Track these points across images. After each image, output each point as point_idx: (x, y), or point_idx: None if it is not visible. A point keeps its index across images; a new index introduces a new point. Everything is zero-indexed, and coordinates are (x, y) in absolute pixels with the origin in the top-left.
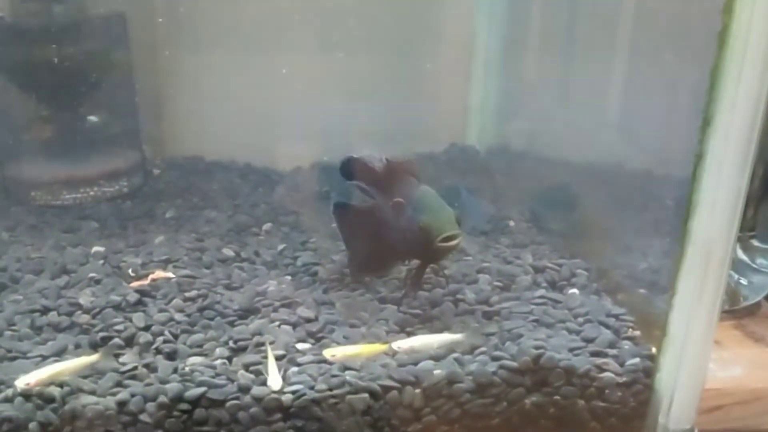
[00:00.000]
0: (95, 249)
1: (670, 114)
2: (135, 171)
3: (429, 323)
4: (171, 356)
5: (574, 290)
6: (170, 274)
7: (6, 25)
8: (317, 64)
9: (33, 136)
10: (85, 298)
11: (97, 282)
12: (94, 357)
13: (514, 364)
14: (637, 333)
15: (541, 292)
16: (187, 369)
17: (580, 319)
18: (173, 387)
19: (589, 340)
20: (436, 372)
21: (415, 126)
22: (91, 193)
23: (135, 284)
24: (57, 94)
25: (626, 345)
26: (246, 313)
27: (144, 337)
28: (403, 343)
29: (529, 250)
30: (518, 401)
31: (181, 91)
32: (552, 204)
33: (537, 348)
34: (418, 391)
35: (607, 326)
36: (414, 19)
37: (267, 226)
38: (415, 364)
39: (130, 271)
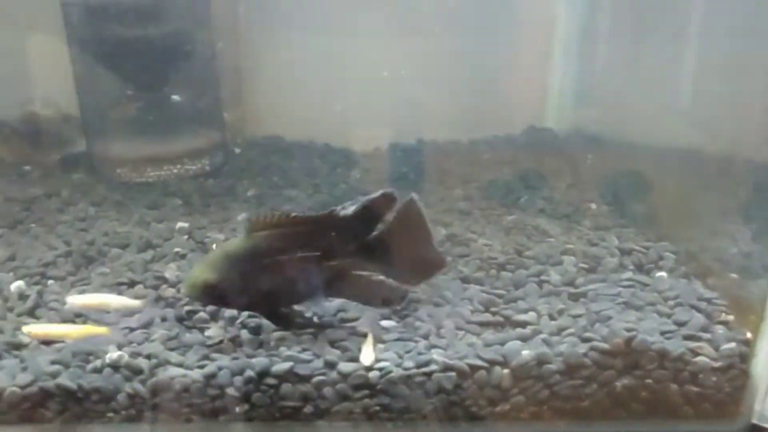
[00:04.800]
0: (179, 225)
1: (752, 97)
2: (217, 150)
3: (513, 303)
4: (256, 330)
5: (662, 273)
6: None
7: (94, 6)
8: (397, 46)
9: (119, 114)
10: (170, 272)
11: (182, 257)
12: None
13: (606, 345)
14: (731, 317)
15: (628, 274)
16: (272, 344)
17: (671, 303)
18: (260, 361)
19: (681, 324)
20: (525, 352)
21: (493, 108)
22: (175, 170)
23: None
24: (142, 74)
25: (720, 329)
26: None
27: (229, 312)
28: (77, 300)
29: (613, 232)
30: (609, 383)
31: (261, 71)
32: (635, 187)
33: (628, 330)
34: (506, 371)
35: (699, 310)
36: (495, 2)
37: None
38: (502, 344)
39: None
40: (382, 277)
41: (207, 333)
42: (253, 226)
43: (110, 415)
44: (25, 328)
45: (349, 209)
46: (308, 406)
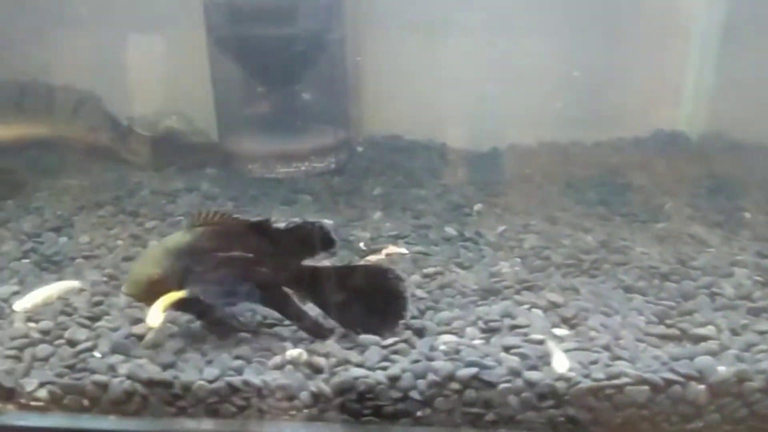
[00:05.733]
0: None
1: None
2: (342, 148)
3: (688, 316)
4: (420, 332)
5: None
6: (403, 250)
7: (235, 6)
8: (520, 45)
9: (251, 111)
10: None
11: (332, 254)
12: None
13: None
14: None
15: None
16: (442, 347)
17: None
18: (445, 365)
19: None
20: (722, 368)
21: (618, 110)
22: (303, 168)
23: (372, 258)
24: (276, 72)
25: None
26: (486, 293)
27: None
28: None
29: None
30: None
31: (380, 70)
32: None
33: None
34: (702, 387)
35: None
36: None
37: (478, 206)
38: (691, 358)
39: (361, 244)
40: (308, 306)
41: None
42: (193, 222)
43: (292, 413)
44: None
45: (281, 224)
46: (491, 413)
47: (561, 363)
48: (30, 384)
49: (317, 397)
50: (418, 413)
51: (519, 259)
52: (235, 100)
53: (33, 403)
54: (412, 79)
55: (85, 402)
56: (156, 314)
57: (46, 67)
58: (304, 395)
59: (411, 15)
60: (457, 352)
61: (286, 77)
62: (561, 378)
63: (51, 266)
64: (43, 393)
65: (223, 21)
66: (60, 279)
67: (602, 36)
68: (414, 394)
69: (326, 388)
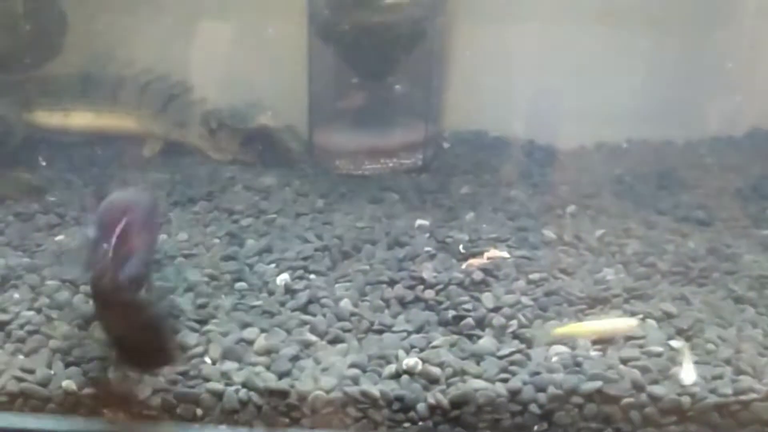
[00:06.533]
0: (419, 222)
1: None
2: (429, 144)
3: None
4: (528, 342)
5: None
6: (506, 254)
7: None
8: (610, 40)
9: (343, 104)
10: (427, 273)
11: (432, 257)
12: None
13: None
14: None
15: None
16: (555, 359)
17: None
18: (568, 378)
19: None
20: None
21: (710, 107)
22: (390, 164)
23: (475, 262)
24: (375, 62)
25: None
26: (593, 301)
27: (497, 320)
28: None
29: None
30: None
31: (466, 62)
32: None
33: None
34: None
35: None
36: None
37: (571, 208)
38: None
39: (460, 247)
40: None
41: (481, 342)
42: None
43: (406, 425)
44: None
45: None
46: (609, 428)
47: (689, 375)
48: (143, 391)
49: (434, 409)
50: (535, 428)
51: (622, 266)
52: (330, 94)
53: (146, 412)
54: (499, 72)
55: (199, 411)
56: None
57: (137, 57)
58: (420, 407)
59: (503, 7)
60: (578, 364)
61: (384, 67)
62: (686, 393)
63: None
64: (156, 401)
65: (327, 7)
66: None
67: (694, 29)
68: (533, 408)
69: (444, 400)
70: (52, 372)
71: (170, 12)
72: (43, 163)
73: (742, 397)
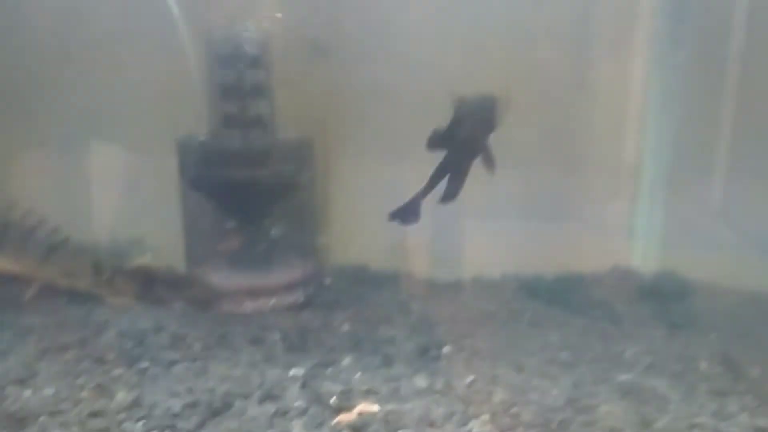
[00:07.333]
0: (293, 372)
1: None
2: (310, 281)
3: None
4: None
5: None
6: (375, 408)
7: (208, 147)
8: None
9: (221, 247)
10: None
11: (304, 412)
12: None
13: None
14: None
15: None
16: None
17: None
18: None
19: None
20: None
21: (575, 244)
22: (271, 302)
23: (344, 419)
24: (245, 209)
25: None
26: None
27: None
28: None
29: (734, 401)
30: None
31: (347, 201)
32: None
33: None
34: None
35: None
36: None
37: (446, 348)
38: None
39: (332, 400)
40: None
41: None
42: None
43: None
44: None
45: None
46: None
47: None
48: None
49: None
50: None
51: (488, 416)
52: (205, 236)
53: None
54: (378, 209)
55: None
56: None
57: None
58: None
59: (379, 146)
60: None
61: (256, 215)
62: None
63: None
64: None
65: (196, 162)
66: None
67: (558, 171)
68: None
69: None
70: None
71: (49, 152)
72: None
73: None
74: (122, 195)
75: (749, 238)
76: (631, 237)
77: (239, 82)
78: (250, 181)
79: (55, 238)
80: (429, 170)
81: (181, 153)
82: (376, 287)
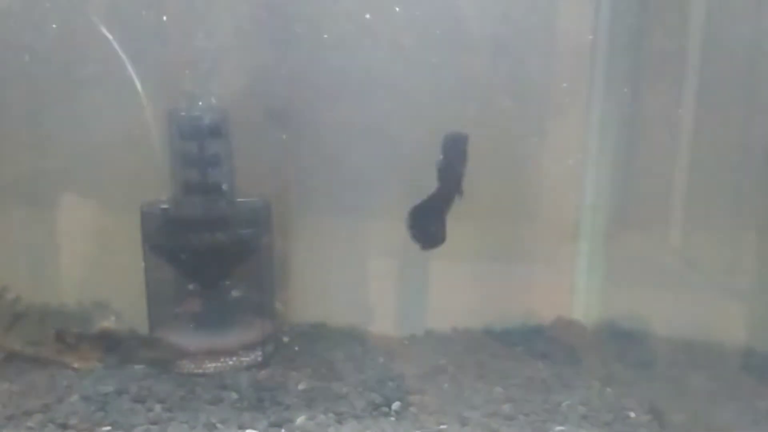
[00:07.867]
0: None
1: None
2: (268, 340)
3: None
4: None
5: None
6: None
7: (169, 215)
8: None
9: (181, 309)
10: None
11: None
12: None
13: None
14: None
15: None
16: None
17: None
18: None
19: None
20: None
21: (520, 297)
22: (230, 362)
23: None
24: (206, 272)
25: None
26: None
27: None
28: None
29: None
30: None
31: (303, 259)
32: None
33: None
34: None
35: None
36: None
37: (396, 405)
38: None
39: None
40: None
41: None
42: None
43: None
44: None
45: None
46: None
47: None
48: None
49: None
50: None
51: None
52: (167, 298)
53: None
54: (335, 266)
55: None
56: None
57: None
58: None
59: (335, 207)
60: None
61: (216, 278)
62: None
63: None
64: None
65: (158, 229)
66: None
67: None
68: None
69: None
70: None
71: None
72: None
73: None
74: (86, 258)
75: (691, 286)
76: (573, 289)
77: (200, 152)
78: (210, 246)
79: (17, 306)
80: (385, 229)
81: (143, 220)
82: (332, 344)
